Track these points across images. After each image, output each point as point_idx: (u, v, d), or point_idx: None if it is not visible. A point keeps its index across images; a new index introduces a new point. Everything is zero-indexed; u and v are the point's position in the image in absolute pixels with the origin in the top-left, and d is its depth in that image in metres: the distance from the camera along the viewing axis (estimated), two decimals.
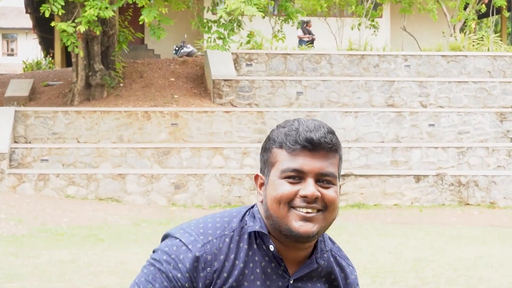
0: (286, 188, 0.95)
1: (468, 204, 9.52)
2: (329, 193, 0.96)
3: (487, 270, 5.61)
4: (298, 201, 0.94)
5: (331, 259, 1.04)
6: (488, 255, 6.19)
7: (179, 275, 0.91)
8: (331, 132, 0.99)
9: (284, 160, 0.97)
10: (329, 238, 1.07)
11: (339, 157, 1.02)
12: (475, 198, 9.60)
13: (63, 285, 5.06)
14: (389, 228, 7.80)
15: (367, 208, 9.30)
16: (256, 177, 1.06)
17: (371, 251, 6.38)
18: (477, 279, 5.32)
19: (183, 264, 0.91)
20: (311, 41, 14.19)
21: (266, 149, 1.03)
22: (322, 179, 0.96)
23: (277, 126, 1.05)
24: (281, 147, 0.99)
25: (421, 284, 5.23)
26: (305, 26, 14.18)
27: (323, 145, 0.97)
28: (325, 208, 0.96)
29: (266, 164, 1.02)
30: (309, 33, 14.55)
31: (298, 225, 0.93)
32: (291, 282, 0.97)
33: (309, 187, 0.94)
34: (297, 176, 0.96)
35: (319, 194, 0.95)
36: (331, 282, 1.04)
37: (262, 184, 1.03)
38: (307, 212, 0.94)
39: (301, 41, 13.91)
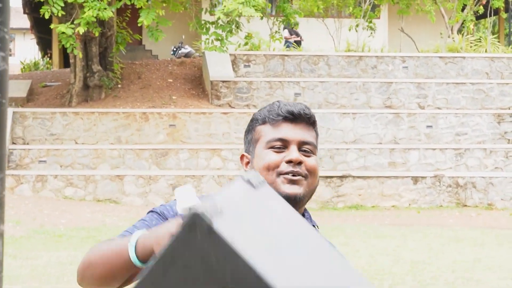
0: (272, 156, 1.06)
1: (466, 205, 9.54)
2: (311, 161, 1.07)
3: (485, 272, 5.63)
4: (284, 167, 1.04)
5: None
6: (486, 257, 6.21)
7: (171, 213, 1.03)
8: (309, 108, 1.13)
9: (268, 132, 1.09)
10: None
11: (316, 133, 1.14)
12: (472, 200, 9.63)
13: (62, 287, 5.06)
14: (387, 229, 7.82)
15: (365, 209, 9.32)
16: (242, 156, 1.16)
17: (369, 252, 6.40)
18: (475, 282, 5.34)
19: (174, 212, 1.01)
20: (298, 42, 14.00)
21: (249, 130, 1.14)
22: (304, 148, 1.07)
23: (258, 110, 1.17)
24: (264, 122, 1.11)
25: (419, 286, 5.24)
26: (291, 27, 13.99)
27: (303, 117, 1.09)
28: (307, 176, 1.05)
29: (251, 142, 1.13)
30: (296, 34, 14.34)
31: (286, 188, 1.03)
32: None
33: (293, 153, 1.05)
34: (282, 145, 1.07)
35: (303, 158, 1.05)
36: None
37: (248, 163, 1.13)
38: (293, 175, 1.04)
39: (287, 41, 13.68)
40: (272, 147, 1.08)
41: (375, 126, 10.80)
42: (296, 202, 1.03)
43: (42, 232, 7.22)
